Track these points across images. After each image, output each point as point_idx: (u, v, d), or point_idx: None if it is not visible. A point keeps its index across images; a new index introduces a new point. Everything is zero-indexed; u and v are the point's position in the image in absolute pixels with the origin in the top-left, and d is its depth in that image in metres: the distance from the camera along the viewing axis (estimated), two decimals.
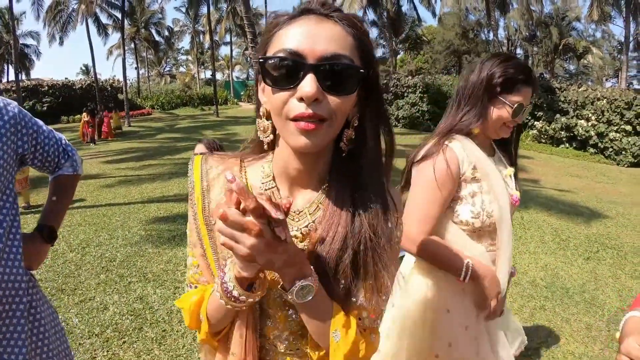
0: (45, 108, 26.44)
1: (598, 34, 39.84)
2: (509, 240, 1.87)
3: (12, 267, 1.43)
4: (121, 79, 28.71)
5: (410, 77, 23.30)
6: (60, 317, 3.74)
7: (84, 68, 67.13)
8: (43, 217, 1.75)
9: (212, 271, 1.05)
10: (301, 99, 0.83)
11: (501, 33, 37.09)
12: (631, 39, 28.78)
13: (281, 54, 0.85)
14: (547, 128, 19.65)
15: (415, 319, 1.92)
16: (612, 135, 17.47)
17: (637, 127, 17.05)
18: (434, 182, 1.77)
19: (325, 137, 0.88)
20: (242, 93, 41.83)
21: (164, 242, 5.76)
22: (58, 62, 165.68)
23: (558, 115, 19.79)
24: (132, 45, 38.78)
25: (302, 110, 0.83)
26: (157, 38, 43.23)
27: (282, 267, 0.86)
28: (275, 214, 0.77)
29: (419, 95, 21.37)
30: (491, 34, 28.27)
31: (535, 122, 20.16)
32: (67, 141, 1.82)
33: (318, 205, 1.01)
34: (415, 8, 29.10)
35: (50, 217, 1.76)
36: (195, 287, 1.08)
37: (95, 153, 14.56)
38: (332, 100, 0.85)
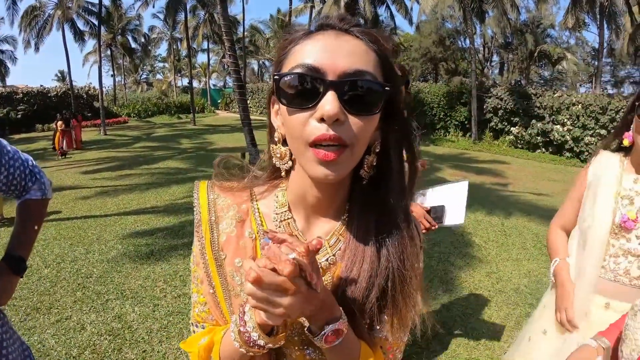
0: (19, 116, 25.95)
1: (572, 41, 40.67)
2: (594, 260, 1.88)
3: None
4: (97, 86, 28.32)
5: None
6: (36, 338, 3.68)
7: (59, 75, 66.12)
8: (11, 245, 1.62)
9: (222, 310, 0.97)
10: (321, 119, 0.76)
11: (477, 40, 37.66)
12: (605, 45, 29.37)
13: (298, 70, 0.78)
14: (524, 133, 20.01)
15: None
16: (587, 139, 17.82)
17: (612, 131, 17.36)
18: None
19: (347, 165, 0.81)
20: (219, 101, 41.61)
21: (141, 257, 5.62)
22: (33, 68, 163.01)
23: (534, 121, 20.14)
24: (109, 52, 38.28)
25: (323, 131, 0.76)
26: (133, 45, 42.74)
27: (313, 314, 0.80)
28: (312, 278, 0.73)
29: None
30: (468, 41, 28.60)
31: (512, 128, 20.56)
32: (34, 162, 1.71)
33: (338, 237, 0.95)
34: (392, 16, 29.24)
35: (18, 246, 1.63)
36: (202, 326, 1.00)
37: (71, 163, 14.27)
38: (355, 121, 0.78)
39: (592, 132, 17.92)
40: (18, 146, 1.71)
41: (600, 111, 17.80)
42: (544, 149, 19.43)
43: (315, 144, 0.77)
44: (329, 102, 0.75)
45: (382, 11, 28.25)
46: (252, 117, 13.35)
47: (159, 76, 66.41)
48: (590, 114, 18.03)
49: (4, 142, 1.55)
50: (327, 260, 0.93)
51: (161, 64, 66.20)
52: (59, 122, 16.62)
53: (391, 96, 0.83)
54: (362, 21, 0.96)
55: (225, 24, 12.56)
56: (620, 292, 1.81)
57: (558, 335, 1.98)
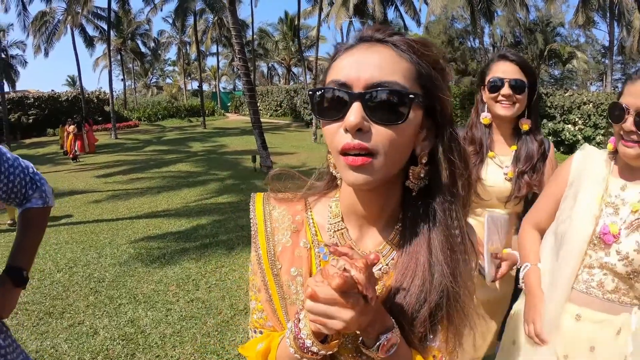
0: (31, 120, 26.21)
1: (582, 39, 40.44)
2: (569, 271, 1.73)
3: None
4: (107, 90, 28.52)
5: None
6: (48, 343, 3.69)
7: (69, 80, 66.58)
8: (13, 257, 1.60)
9: (279, 317, 1.00)
10: (346, 130, 0.79)
11: (486, 40, 37.51)
12: (615, 43, 29.15)
13: (331, 86, 0.83)
14: None
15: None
16: (599, 138, 17.62)
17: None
18: None
19: (377, 172, 0.81)
20: (228, 104, 41.74)
21: (154, 260, 5.63)
22: (43, 73, 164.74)
23: (545, 121, 19.94)
24: (118, 57, 38.51)
25: (348, 140, 0.79)
26: (143, 49, 43.05)
27: (367, 326, 0.81)
28: (368, 292, 0.73)
29: None
30: (477, 42, 28.46)
31: None
32: (35, 169, 1.69)
33: (391, 247, 0.96)
34: (401, 17, 29.21)
35: (20, 257, 1.61)
36: (260, 332, 1.03)
37: (82, 167, 14.36)
38: (380, 130, 0.80)
39: (603, 131, 17.75)
40: (29, 150, 1.70)
41: None
42: (555, 149, 19.25)
43: (344, 152, 0.80)
44: (352, 113, 0.78)
45: (390, 12, 28.24)
46: (262, 119, 13.36)
47: (168, 80, 66.63)
48: (602, 112, 17.83)
49: (4, 149, 1.53)
50: (380, 269, 0.93)
51: (171, 68, 66.48)
52: (71, 127, 16.78)
53: (434, 105, 0.85)
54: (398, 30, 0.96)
55: (234, 28, 12.61)
56: (592, 304, 1.70)
57: (527, 347, 1.86)
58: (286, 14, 45.24)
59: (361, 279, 0.72)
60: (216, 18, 35.44)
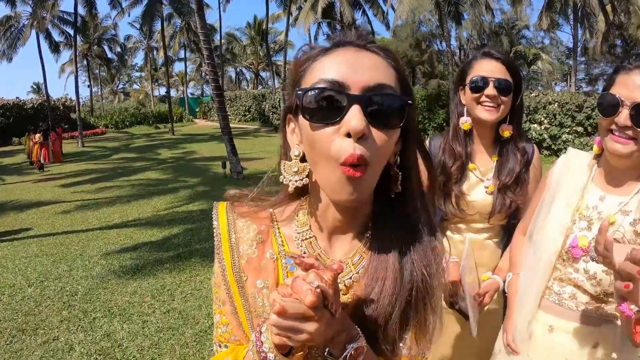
0: None
1: (547, 41, 41.53)
2: (538, 282, 1.67)
3: None
4: (73, 97, 27.93)
5: None
6: None
7: (35, 86, 65.01)
8: None
9: (245, 330, 0.97)
10: (347, 135, 0.74)
11: (453, 43, 38.13)
12: (579, 44, 30.03)
13: (321, 85, 0.77)
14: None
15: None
16: (564, 137, 18.10)
17: (588, 128, 17.73)
18: None
19: (371, 182, 0.81)
20: (197, 110, 41.32)
21: (127, 271, 5.55)
22: (7, 80, 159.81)
23: None
24: (85, 63, 37.74)
25: (351, 151, 0.74)
26: (109, 55, 42.31)
27: (333, 337, 0.78)
28: (332, 305, 0.72)
29: None
30: (444, 44, 28.91)
31: None
32: None
33: (362, 255, 0.93)
34: (369, 21, 29.44)
35: None
36: (226, 346, 0.99)
37: (49, 176, 14.03)
38: (378, 135, 0.77)
39: (569, 129, 18.23)
40: None
41: (577, 109, 18.12)
42: None
43: (345, 163, 0.75)
44: (355, 117, 0.73)
45: (358, 16, 28.42)
46: (231, 125, 13.29)
47: (135, 86, 65.78)
48: (567, 112, 18.33)
49: None
50: (350, 278, 0.92)
51: (138, 74, 65.66)
52: (37, 135, 16.35)
53: (410, 111, 0.82)
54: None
55: (203, 33, 12.53)
56: (565, 314, 1.63)
57: (505, 356, 1.81)
58: (254, 18, 45.16)
59: (329, 293, 0.71)
60: (184, 23, 35.09)
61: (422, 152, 0.92)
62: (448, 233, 2.15)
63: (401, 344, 0.93)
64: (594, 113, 18.71)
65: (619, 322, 1.52)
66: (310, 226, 0.95)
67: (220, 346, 1.01)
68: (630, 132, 1.41)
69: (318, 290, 0.69)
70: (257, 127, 30.20)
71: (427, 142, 2.12)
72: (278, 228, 0.99)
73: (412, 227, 0.91)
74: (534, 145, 2.09)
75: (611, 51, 31.19)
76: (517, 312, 1.75)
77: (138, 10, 42.19)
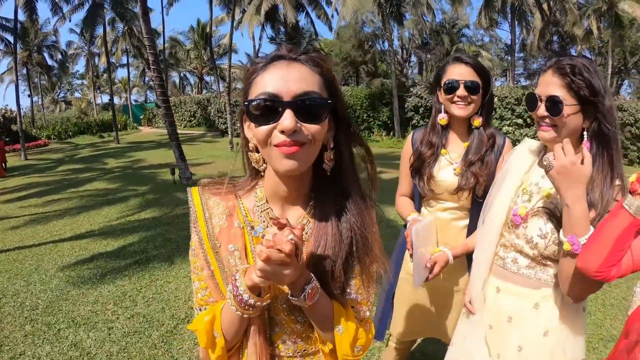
0: None
1: (486, 39, 43.07)
2: (486, 249, 1.98)
3: None
4: (13, 108, 26.77)
5: None
6: None
7: None
8: None
9: (221, 289, 1.18)
10: (282, 131, 0.99)
11: (396, 42, 38.95)
12: (517, 41, 31.37)
13: (262, 97, 1.01)
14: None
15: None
16: (505, 129, 18.93)
17: (527, 120, 18.61)
18: None
19: (307, 158, 1.05)
20: (141, 117, 40.41)
21: (85, 282, 5.52)
22: None
23: None
24: (24, 71, 36.24)
25: (284, 138, 0.99)
26: (50, 62, 40.82)
27: (296, 279, 1.03)
28: (300, 252, 0.99)
29: None
30: (386, 44, 29.53)
31: None
32: None
33: (308, 220, 1.18)
34: (312, 23, 29.67)
35: None
36: (205, 308, 1.20)
37: None
38: (307, 127, 1.01)
39: (509, 122, 19.11)
40: None
41: (516, 102, 18.99)
42: None
43: (278, 145, 1.01)
44: (287, 118, 0.98)
45: (302, 18, 28.56)
46: (177, 131, 13.17)
47: (77, 94, 63.72)
48: (507, 105, 19.18)
49: None
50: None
51: (79, 81, 63.63)
52: None
53: (335, 106, 1.09)
54: (308, 49, 1.26)
55: (148, 38, 12.35)
56: (509, 277, 1.89)
57: (465, 318, 2.13)
58: (198, 21, 44.55)
59: (299, 244, 0.96)
60: (126, 28, 34.28)
61: (353, 136, 1.17)
62: (423, 209, 2.52)
63: (348, 290, 1.20)
64: None
65: (554, 287, 1.80)
66: (266, 200, 1.20)
67: (200, 309, 1.22)
68: (548, 120, 1.70)
69: (293, 241, 0.93)
70: (202, 132, 29.94)
71: (410, 135, 2.55)
72: (242, 203, 1.23)
73: (346, 197, 1.18)
74: (506, 138, 2.40)
75: (548, 47, 32.73)
76: (472, 279, 2.05)
77: (79, 15, 40.88)
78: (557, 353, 1.81)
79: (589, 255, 1.47)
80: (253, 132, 1.06)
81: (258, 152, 1.13)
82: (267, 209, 1.19)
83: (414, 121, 22.29)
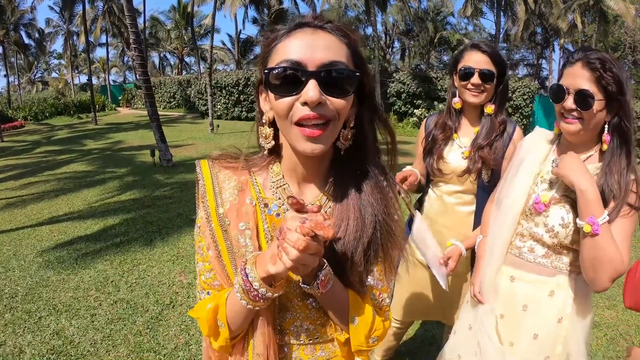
0: None
1: (470, 28, 43.16)
2: (502, 238, 1.97)
3: None
4: None
5: None
6: None
7: None
8: None
9: (228, 271, 1.10)
10: (305, 103, 0.91)
11: (379, 28, 38.82)
12: (501, 31, 31.55)
13: (284, 64, 0.92)
14: (426, 115, 21.21)
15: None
16: None
17: (509, 109, 18.81)
18: None
19: (329, 139, 0.98)
20: (119, 98, 39.65)
21: (66, 267, 5.40)
22: None
23: (436, 103, 21.48)
24: (1, 50, 35.18)
25: (307, 112, 0.92)
26: (27, 41, 39.74)
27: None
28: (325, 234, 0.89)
29: None
30: (370, 29, 29.40)
31: (415, 110, 21.73)
32: None
33: (327, 198, 1.10)
34: (296, 5, 29.39)
35: None
36: (208, 293, 1.13)
37: None
38: (333, 101, 0.94)
39: None
40: None
41: None
42: None
43: (300, 122, 0.93)
44: (311, 89, 0.90)
45: (286, 0, 28.29)
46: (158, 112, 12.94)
47: (54, 74, 62.27)
48: None
49: None
50: None
51: (57, 61, 62.19)
52: None
53: (361, 80, 1.00)
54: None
55: (130, 16, 12.05)
56: (525, 266, 1.92)
57: (471, 307, 2.14)
58: (179, 1, 43.65)
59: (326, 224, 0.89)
60: (106, 6, 33.46)
61: (377, 113, 1.09)
62: (430, 191, 2.59)
63: (369, 277, 1.12)
64: (514, 95, 19.91)
65: (569, 274, 1.85)
66: (283, 175, 1.12)
67: (202, 293, 1.14)
68: (575, 113, 1.70)
69: (332, 227, 0.88)
70: (183, 113, 29.52)
71: (424, 120, 2.60)
72: (255, 178, 1.14)
73: (368, 179, 1.09)
74: (517, 125, 2.43)
75: (531, 38, 33.02)
76: (484, 267, 2.03)
77: None
78: (570, 338, 1.85)
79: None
80: (272, 104, 0.98)
81: (271, 126, 1.06)
82: (283, 184, 1.11)
83: (396, 107, 22.38)
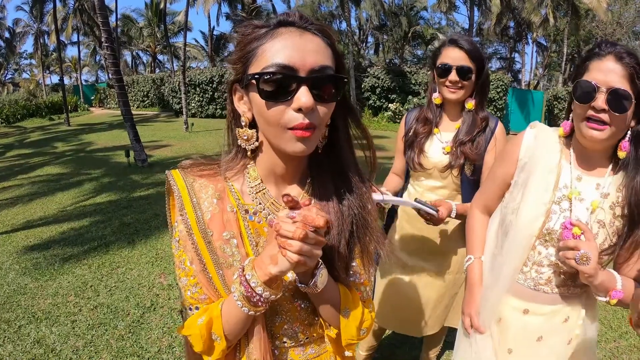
0: None
1: (443, 22, 43.55)
2: (513, 265, 1.69)
3: None
4: None
5: None
6: None
7: None
8: None
9: (215, 284, 1.06)
10: (298, 110, 0.91)
11: (353, 23, 38.89)
12: (474, 25, 31.97)
13: (272, 69, 0.90)
14: (401, 109, 21.52)
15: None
16: None
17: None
18: None
19: (317, 139, 0.99)
20: (92, 98, 38.91)
21: (43, 273, 5.31)
22: None
23: (410, 97, 21.73)
24: None
25: (300, 120, 0.91)
26: None
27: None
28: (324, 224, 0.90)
29: None
30: (344, 24, 29.45)
31: (389, 105, 21.93)
32: None
33: (307, 198, 1.07)
34: (271, 1, 29.21)
35: None
36: (197, 308, 1.08)
37: None
38: (322, 108, 0.95)
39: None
40: None
41: None
42: None
43: (294, 128, 0.92)
44: (304, 96, 0.89)
45: None
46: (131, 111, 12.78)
47: (25, 75, 60.87)
48: None
49: None
50: None
51: (27, 61, 60.74)
52: None
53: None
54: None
55: (101, 14, 11.81)
56: (540, 298, 1.67)
57: (464, 338, 1.94)
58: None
59: (330, 220, 0.93)
60: (77, 4, 32.75)
61: (352, 114, 1.10)
62: (410, 187, 2.59)
63: (351, 271, 1.15)
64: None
65: (579, 295, 1.68)
66: (261, 180, 1.10)
67: (191, 309, 1.09)
68: (605, 117, 1.42)
69: (324, 216, 0.90)
70: (157, 112, 29.18)
71: (404, 116, 2.61)
72: (232, 185, 1.11)
73: (343, 175, 1.11)
74: (499, 120, 2.43)
75: (504, 32, 33.52)
76: (485, 295, 1.79)
77: None
78: (578, 353, 1.72)
79: None
80: (259, 109, 0.96)
81: (251, 128, 1.04)
82: (262, 189, 1.09)
83: (371, 101, 22.50)
